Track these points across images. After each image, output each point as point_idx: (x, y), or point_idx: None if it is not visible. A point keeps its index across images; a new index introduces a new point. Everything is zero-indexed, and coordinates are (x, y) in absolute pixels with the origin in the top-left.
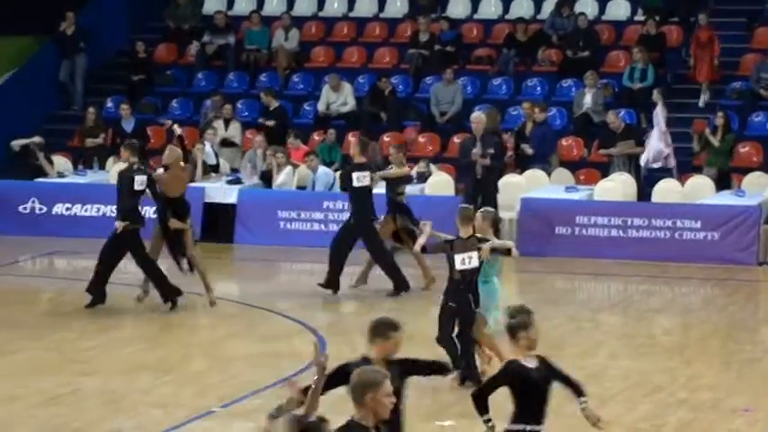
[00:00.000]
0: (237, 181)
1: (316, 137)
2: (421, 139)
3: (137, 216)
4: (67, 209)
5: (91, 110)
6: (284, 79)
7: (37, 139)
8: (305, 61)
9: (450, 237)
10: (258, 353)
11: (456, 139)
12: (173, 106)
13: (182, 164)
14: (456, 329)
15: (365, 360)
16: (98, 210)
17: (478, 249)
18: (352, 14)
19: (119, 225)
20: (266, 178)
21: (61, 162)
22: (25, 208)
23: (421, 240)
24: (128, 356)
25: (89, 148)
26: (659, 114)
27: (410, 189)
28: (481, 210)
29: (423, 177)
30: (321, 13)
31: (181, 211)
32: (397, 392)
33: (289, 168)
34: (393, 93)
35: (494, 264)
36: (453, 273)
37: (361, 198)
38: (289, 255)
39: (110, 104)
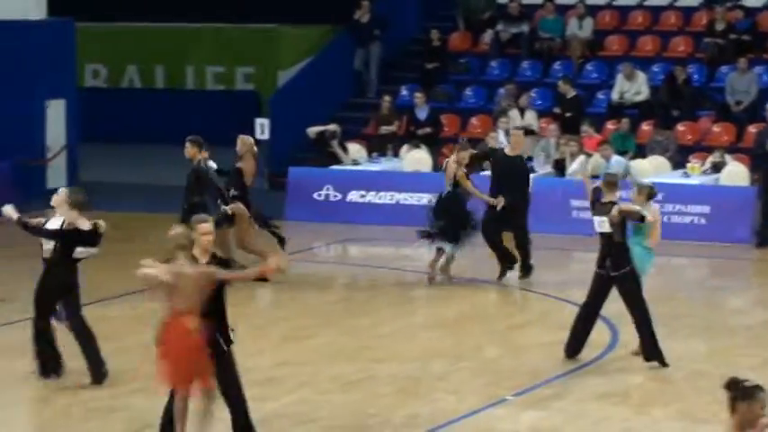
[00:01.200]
0: (531, 170)
1: (609, 126)
2: (715, 129)
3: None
4: (362, 196)
5: (387, 98)
6: (578, 68)
7: (332, 126)
8: (599, 50)
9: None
10: (551, 342)
11: (751, 129)
12: (466, 94)
13: (255, 149)
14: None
15: None
16: (392, 197)
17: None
18: (646, 3)
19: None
20: (559, 167)
21: (356, 150)
22: (320, 195)
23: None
24: (422, 343)
25: (383, 136)
26: None
27: (704, 179)
28: (637, 183)
29: (717, 167)
30: (615, 2)
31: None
32: None
33: (582, 157)
34: (687, 82)
35: (639, 231)
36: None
37: None
38: (582, 243)
39: (404, 92)
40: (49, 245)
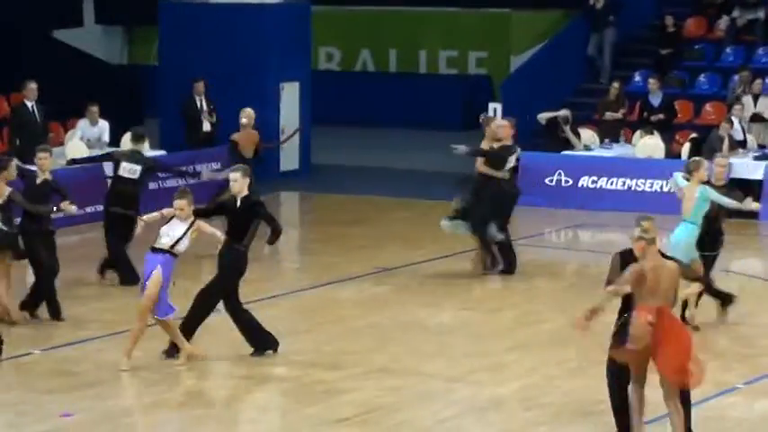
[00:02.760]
0: (764, 157)
1: None
2: None
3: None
4: (593, 182)
5: (615, 84)
6: None
7: (563, 112)
8: None
9: None
10: None
11: None
12: (700, 81)
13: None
14: None
15: None
16: (623, 183)
17: None
18: None
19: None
20: None
21: (588, 135)
22: (551, 180)
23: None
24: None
25: (607, 122)
26: None
27: None
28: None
29: None
30: None
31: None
32: None
33: None
34: None
35: None
36: None
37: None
38: None
39: (637, 78)
40: None
